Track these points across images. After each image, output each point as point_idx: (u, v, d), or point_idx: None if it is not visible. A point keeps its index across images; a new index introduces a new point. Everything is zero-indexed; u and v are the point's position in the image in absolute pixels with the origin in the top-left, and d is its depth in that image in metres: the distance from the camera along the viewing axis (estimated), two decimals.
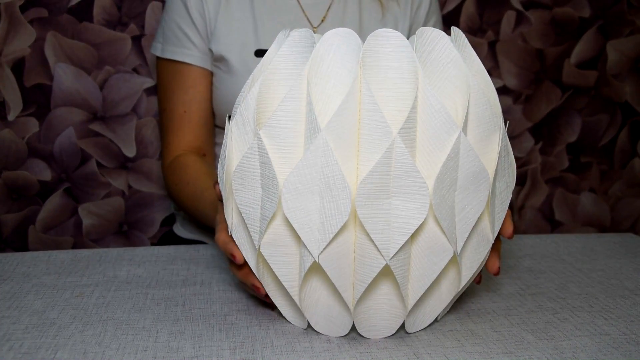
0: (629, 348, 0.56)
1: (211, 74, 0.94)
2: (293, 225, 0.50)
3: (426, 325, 0.57)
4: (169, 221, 1.35)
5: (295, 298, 0.54)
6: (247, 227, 0.54)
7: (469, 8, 1.38)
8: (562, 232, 1.57)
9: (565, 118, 1.50)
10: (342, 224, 0.48)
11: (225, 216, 0.57)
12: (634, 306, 0.65)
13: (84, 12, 1.23)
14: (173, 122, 0.93)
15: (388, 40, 0.49)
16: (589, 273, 0.74)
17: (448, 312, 0.62)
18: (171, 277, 0.69)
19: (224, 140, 0.55)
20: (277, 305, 0.58)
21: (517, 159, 1.50)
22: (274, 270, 0.53)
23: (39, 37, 1.21)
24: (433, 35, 0.51)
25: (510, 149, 0.56)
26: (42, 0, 1.21)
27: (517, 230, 1.54)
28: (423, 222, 0.49)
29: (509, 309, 0.63)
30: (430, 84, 0.51)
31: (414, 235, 0.51)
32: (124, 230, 1.34)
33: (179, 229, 1.08)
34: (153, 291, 0.65)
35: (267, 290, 0.57)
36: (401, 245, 0.49)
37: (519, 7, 1.42)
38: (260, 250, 0.53)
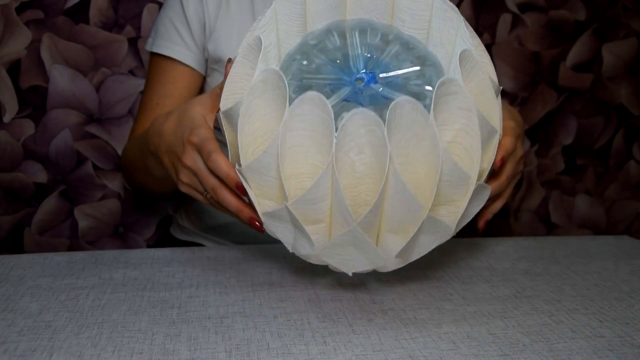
0: (624, 350, 0.56)
1: (199, 76, 0.93)
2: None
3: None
4: (165, 223, 1.34)
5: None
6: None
7: (465, 11, 1.38)
8: (558, 234, 1.57)
9: (561, 120, 1.51)
10: None
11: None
12: (630, 308, 0.65)
13: (80, 13, 1.23)
14: (145, 111, 0.92)
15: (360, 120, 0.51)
16: (584, 275, 0.74)
17: (444, 314, 0.62)
18: (167, 280, 0.69)
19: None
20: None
21: None
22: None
23: (35, 39, 1.21)
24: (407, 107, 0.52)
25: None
26: (38, 2, 1.20)
27: (513, 233, 1.54)
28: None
29: (505, 312, 0.63)
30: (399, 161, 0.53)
31: None
32: (120, 233, 1.34)
33: (176, 231, 1.08)
34: (149, 293, 0.65)
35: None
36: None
37: (515, 9, 1.42)
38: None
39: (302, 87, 0.58)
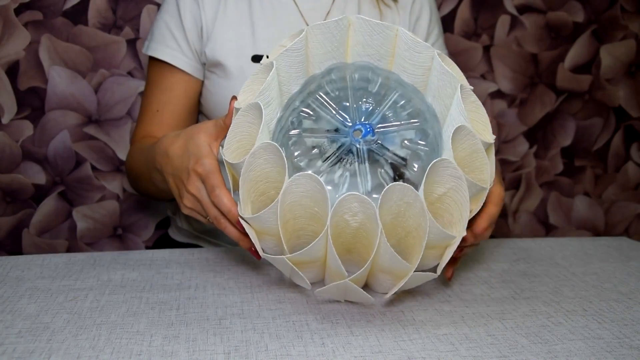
0: (622, 352, 0.56)
1: (196, 81, 0.93)
2: None
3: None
4: (163, 225, 1.34)
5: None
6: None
7: (464, 12, 1.38)
8: (557, 235, 1.57)
9: (560, 122, 1.51)
10: None
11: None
12: (628, 310, 0.65)
13: (79, 15, 1.23)
14: (146, 117, 0.93)
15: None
16: (582, 277, 0.74)
17: (443, 316, 0.62)
18: (165, 281, 0.69)
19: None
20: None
21: (511, 163, 1.50)
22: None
23: (34, 40, 1.21)
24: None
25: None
26: (37, 3, 1.20)
27: (511, 234, 1.54)
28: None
29: (503, 313, 0.63)
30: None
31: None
32: (119, 234, 1.34)
33: (174, 233, 1.08)
34: (147, 295, 0.65)
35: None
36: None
37: (514, 11, 1.42)
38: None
39: (300, 137, 0.62)
